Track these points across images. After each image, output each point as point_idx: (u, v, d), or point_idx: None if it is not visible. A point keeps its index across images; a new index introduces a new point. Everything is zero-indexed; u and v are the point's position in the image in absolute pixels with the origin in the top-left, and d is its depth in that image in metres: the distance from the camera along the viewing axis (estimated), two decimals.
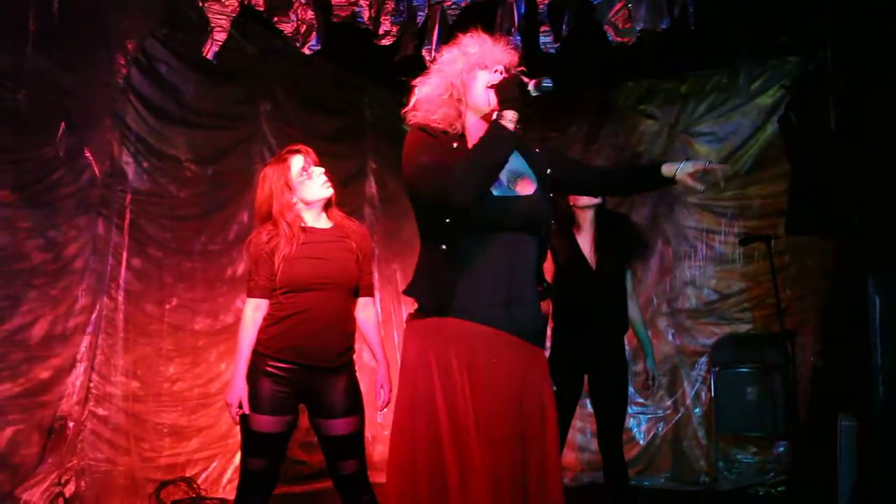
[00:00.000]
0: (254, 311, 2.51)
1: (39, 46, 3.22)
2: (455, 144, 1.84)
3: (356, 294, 2.66)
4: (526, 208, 1.84)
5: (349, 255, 2.58)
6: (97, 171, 3.60)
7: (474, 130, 1.87)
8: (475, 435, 1.70)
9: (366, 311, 2.72)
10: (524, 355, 1.83)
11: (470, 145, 1.83)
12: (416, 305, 1.88)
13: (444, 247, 1.79)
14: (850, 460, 3.18)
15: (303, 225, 2.57)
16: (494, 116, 1.80)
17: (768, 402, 4.42)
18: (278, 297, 2.51)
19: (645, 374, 3.42)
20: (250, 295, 2.53)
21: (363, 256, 2.64)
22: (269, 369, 2.46)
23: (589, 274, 3.18)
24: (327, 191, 2.60)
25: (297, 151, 2.63)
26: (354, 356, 2.64)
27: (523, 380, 1.80)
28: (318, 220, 2.62)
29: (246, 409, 2.43)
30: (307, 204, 2.59)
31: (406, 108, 1.95)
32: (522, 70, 1.89)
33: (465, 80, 1.88)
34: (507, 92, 1.79)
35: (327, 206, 2.65)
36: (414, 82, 1.97)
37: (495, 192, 1.81)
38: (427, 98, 1.90)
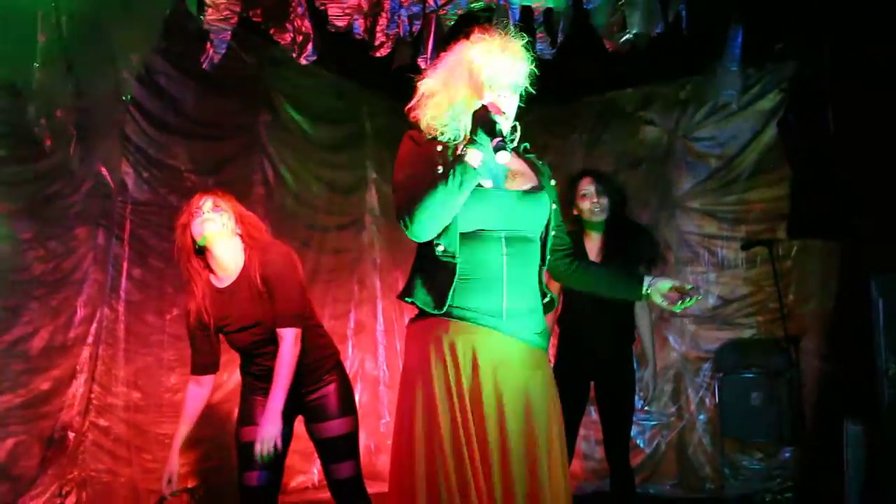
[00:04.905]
0: (194, 386, 2.54)
1: (46, 60, 3.23)
2: (439, 148, 1.78)
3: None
4: (517, 205, 1.80)
5: (251, 299, 2.41)
6: (111, 184, 3.63)
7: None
8: (476, 441, 1.67)
9: (278, 345, 2.38)
10: (526, 355, 1.79)
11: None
12: (416, 311, 1.84)
13: (440, 246, 1.74)
14: (857, 465, 3.15)
15: (212, 269, 2.45)
16: (460, 152, 1.68)
17: (773, 408, 4.38)
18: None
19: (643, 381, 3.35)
20: (192, 371, 2.55)
21: (272, 287, 2.38)
22: (262, 385, 2.47)
23: None
24: (202, 226, 2.33)
25: (199, 193, 2.47)
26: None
27: (527, 381, 1.76)
28: (224, 255, 2.42)
29: (175, 487, 2.48)
30: (199, 238, 2.38)
31: (411, 104, 1.88)
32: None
33: (468, 96, 1.77)
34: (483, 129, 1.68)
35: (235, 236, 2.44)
36: (420, 77, 1.90)
37: (488, 188, 1.76)
38: (431, 98, 1.83)
